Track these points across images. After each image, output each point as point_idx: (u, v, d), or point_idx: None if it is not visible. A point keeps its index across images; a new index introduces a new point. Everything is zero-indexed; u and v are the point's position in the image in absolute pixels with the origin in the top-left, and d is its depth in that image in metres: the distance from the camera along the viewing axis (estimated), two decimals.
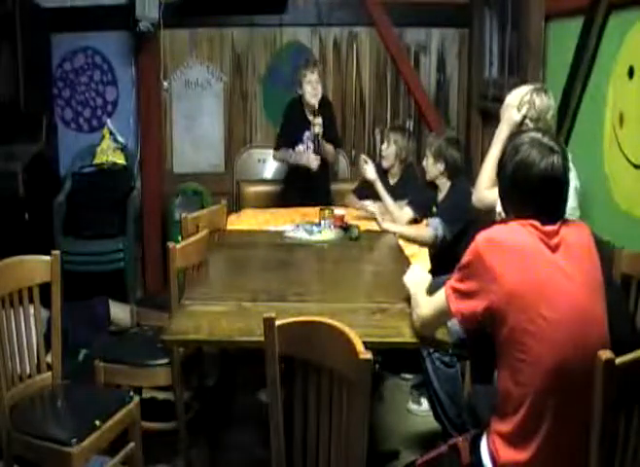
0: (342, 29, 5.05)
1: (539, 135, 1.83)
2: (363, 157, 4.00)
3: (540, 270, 1.72)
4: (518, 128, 2.61)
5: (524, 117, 2.66)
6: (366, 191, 4.27)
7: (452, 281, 1.84)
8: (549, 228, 1.76)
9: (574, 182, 2.41)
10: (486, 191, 2.74)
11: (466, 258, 1.80)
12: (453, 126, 5.10)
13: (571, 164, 2.10)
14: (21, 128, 4.44)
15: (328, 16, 5.01)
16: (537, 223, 1.76)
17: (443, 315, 1.91)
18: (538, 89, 2.73)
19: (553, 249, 1.74)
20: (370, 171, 3.90)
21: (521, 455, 1.73)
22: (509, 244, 1.74)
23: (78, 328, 3.67)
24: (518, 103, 2.68)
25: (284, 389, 1.79)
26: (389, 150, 4.17)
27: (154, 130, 5.00)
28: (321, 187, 4.49)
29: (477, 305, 1.76)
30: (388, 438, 3.12)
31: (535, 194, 1.78)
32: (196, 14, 4.86)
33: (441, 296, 1.88)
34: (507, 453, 1.75)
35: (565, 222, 1.81)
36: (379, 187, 3.86)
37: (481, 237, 1.78)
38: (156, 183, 5.04)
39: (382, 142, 4.31)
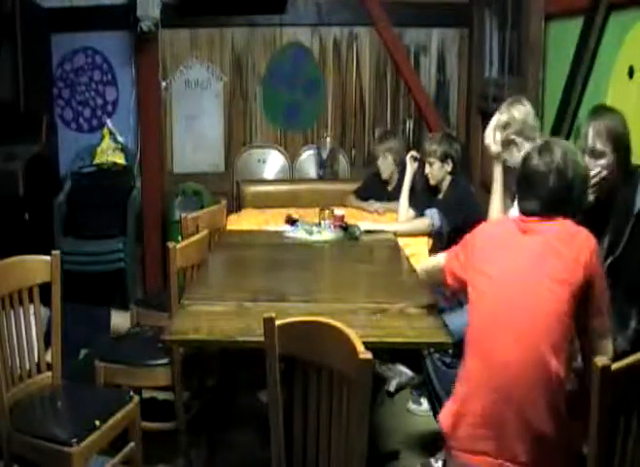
0: (342, 29, 5.05)
1: (569, 149, 1.95)
2: (412, 153, 3.88)
3: (504, 243, 1.95)
4: (503, 157, 2.76)
5: (507, 135, 2.74)
6: (367, 192, 4.28)
7: (455, 246, 2.14)
8: (531, 218, 1.91)
9: None
10: None
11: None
12: (453, 126, 5.10)
13: None
14: (21, 128, 4.43)
15: (328, 16, 5.01)
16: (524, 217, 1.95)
17: (437, 267, 2.21)
18: (511, 102, 2.83)
19: (525, 231, 1.91)
20: (411, 167, 3.84)
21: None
22: (490, 231, 2.06)
23: (78, 328, 3.67)
24: (493, 137, 2.76)
25: (284, 389, 1.79)
26: (386, 162, 4.17)
27: (154, 130, 4.99)
28: None
29: (459, 270, 2.05)
30: (388, 438, 3.12)
31: (518, 184, 1.99)
32: (196, 14, 4.86)
33: (442, 253, 2.22)
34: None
35: (555, 221, 1.87)
36: (408, 179, 3.81)
37: (480, 224, 2.12)
38: (156, 183, 5.03)
39: (377, 158, 4.23)
